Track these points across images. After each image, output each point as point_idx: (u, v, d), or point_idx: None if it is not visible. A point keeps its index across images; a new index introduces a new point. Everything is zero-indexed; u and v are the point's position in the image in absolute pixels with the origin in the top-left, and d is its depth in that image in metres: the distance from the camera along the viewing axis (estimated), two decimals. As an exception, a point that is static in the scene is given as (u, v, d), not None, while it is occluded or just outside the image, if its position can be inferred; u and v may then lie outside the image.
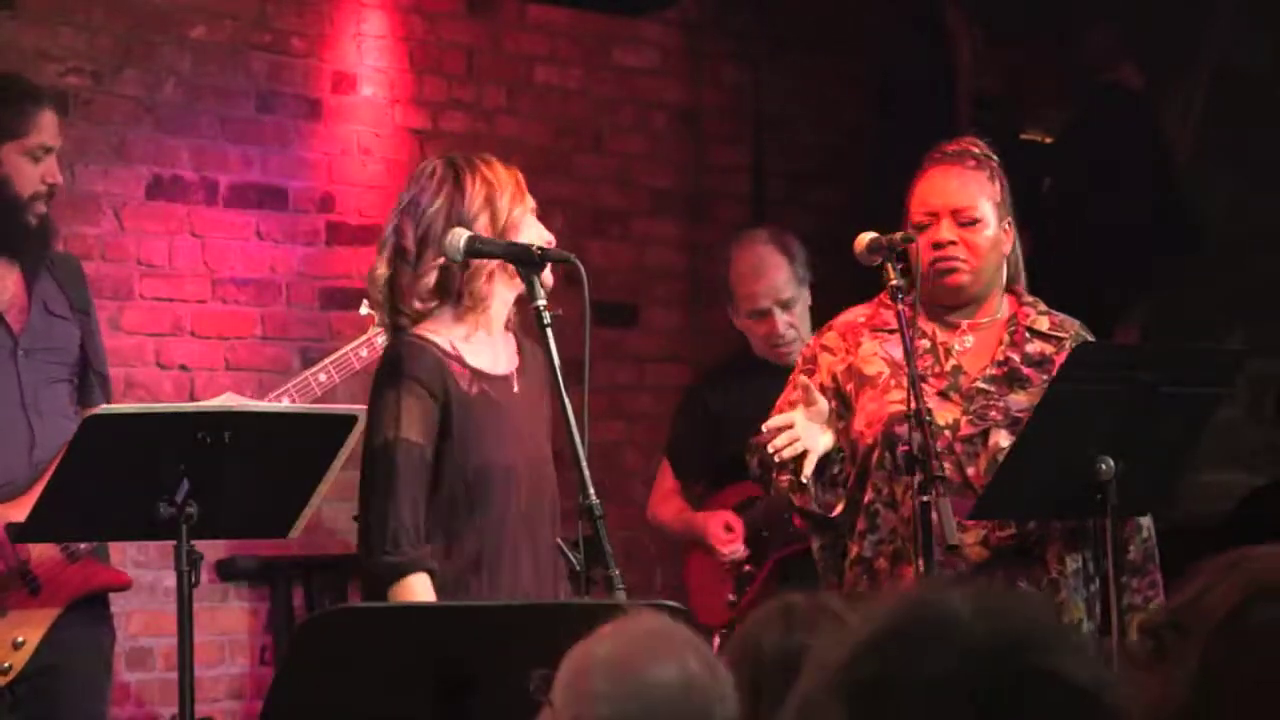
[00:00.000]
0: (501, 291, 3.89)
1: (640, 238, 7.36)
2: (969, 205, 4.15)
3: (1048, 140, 8.15)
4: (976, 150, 4.25)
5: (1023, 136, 8.20)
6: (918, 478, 3.89)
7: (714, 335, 7.30)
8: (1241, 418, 7.06)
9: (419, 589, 3.74)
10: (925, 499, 3.87)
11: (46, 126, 4.63)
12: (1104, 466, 3.92)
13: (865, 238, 4.14)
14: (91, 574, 4.62)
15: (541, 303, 3.68)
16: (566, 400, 3.59)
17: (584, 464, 3.55)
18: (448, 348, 3.85)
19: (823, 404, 4.08)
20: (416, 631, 3.14)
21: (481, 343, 3.90)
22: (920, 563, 3.91)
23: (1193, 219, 7.65)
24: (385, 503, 3.76)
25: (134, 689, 6.04)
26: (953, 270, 4.14)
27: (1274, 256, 7.50)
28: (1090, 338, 4.30)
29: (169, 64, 6.24)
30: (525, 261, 3.73)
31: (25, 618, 4.51)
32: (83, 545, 4.54)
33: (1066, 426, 3.94)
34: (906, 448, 3.94)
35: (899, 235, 4.12)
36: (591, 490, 3.52)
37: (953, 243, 4.13)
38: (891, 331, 4.18)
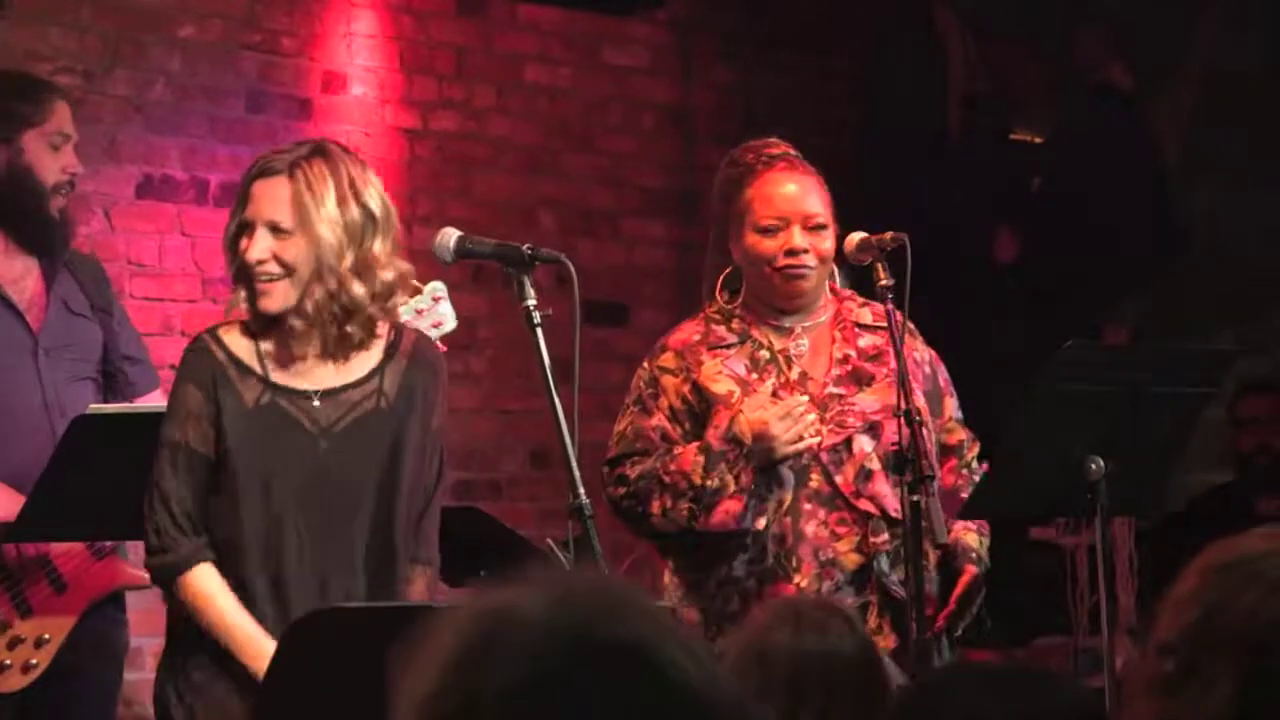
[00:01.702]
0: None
1: (630, 237, 7.37)
2: (817, 212, 4.17)
3: (1037, 140, 8.16)
4: (795, 154, 4.27)
5: (1013, 137, 8.22)
6: (907, 477, 3.89)
7: (704, 335, 7.32)
8: (1230, 418, 7.07)
9: (203, 580, 3.62)
10: (915, 498, 3.88)
11: (62, 114, 4.64)
12: (1093, 466, 3.92)
13: (855, 238, 4.16)
14: (115, 572, 4.61)
15: (531, 302, 3.67)
16: (556, 400, 3.59)
17: (574, 464, 3.54)
18: (241, 353, 3.71)
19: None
20: (405, 632, 3.14)
21: (291, 352, 3.71)
22: (909, 564, 3.93)
23: (1182, 219, 7.67)
24: (151, 503, 3.66)
25: (124, 689, 6.03)
26: (803, 277, 4.16)
27: (1263, 256, 7.52)
28: (911, 325, 4.28)
29: (159, 64, 6.24)
30: (515, 261, 3.72)
31: (50, 615, 4.51)
32: (107, 543, 4.53)
33: (1055, 426, 3.94)
34: (895, 446, 3.94)
35: (889, 235, 4.12)
36: (581, 490, 3.52)
37: (805, 250, 4.15)
38: (728, 347, 4.19)
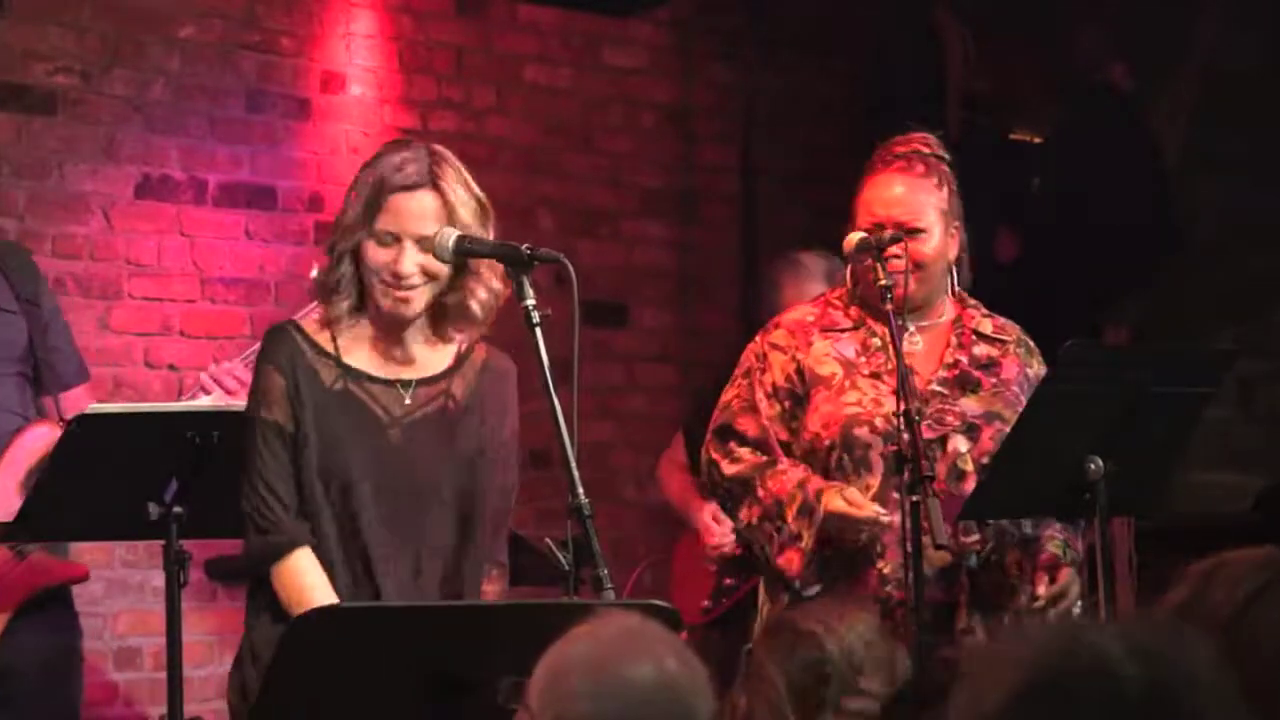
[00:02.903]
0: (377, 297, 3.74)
1: (630, 237, 7.37)
2: (915, 217, 4.16)
3: (1037, 140, 8.16)
4: (927, 151, 4.24)
5: (1012, 136, 8.21)
6: (906, 477, 3.89)
7: (704, 335, 7.31)
8: (1232, 417, 7.07)
9: (302, 564, 3.66)
10: (915, 498, 3.88)
11: None
12: (1093, 466, 3.92)
13: (855, 237, 4.16)
14: (43, 570, 4.55)
15: (531, 302, 3.67)
16: (555, 400, 3.58)
17: (573, 464, 3.54)
18: (323, 340, 3.77)
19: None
20: (404, 631, 3.14)
21: (371, 343, 3.79)
22: (909, 563, 3.92)
23: (1182, 219, 7.67)
24: (253, 483, 3.70)
25: (123, 689, 6.04)
26: (894, 283, 4.15)
27: (1263, 256, 7.52)
28: (1030, 342, 4.31)
29: (158, 63, 6.24)
30: (514, 261, 3.71)
31: None
32: (31, 543, 4.48)
33: (1056, 426, 3.94)
34: (895, 447, 3.94)
35: (888, 235, 4.12)
36: (580, 490, 3.51)
37: (896, 257, 4.14)
38: (842, 331, 4.22)
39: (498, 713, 2.89)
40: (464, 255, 3.77)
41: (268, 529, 3.68)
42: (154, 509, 4.01)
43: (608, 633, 2.22)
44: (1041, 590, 4.09)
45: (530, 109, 7.13)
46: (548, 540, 4.00)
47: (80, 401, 4.63)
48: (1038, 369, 4.29)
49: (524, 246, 3.73)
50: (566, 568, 3.75)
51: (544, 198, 7.12)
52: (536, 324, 3.64)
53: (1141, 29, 7.54)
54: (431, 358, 3.84)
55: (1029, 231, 7.82)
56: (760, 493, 4.13)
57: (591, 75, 7.30)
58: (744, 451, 4.20)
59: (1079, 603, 4.14)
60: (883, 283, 4.06)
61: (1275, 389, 7.46)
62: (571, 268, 3.64)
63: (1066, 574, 4.13)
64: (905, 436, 3.90)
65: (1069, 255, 7.51)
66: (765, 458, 4.18)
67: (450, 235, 3.75)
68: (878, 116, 7.68)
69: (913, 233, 4.15)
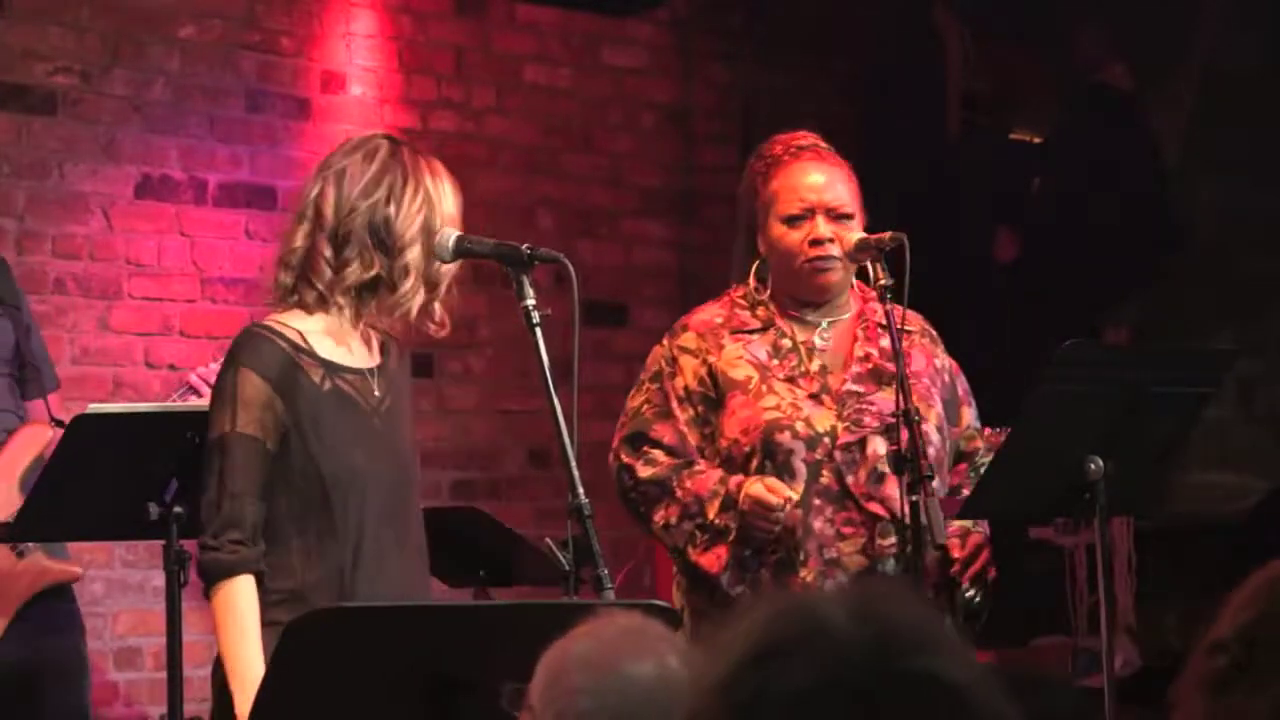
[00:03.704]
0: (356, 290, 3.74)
1: (629, 237, 7.37)
2: (843, 202, 4.14)
3: (1037, 140, 8.16)
4: (825, 146, 4.23)
5: (1012, 136, 8.21)
6: (905, 478, 3.88)
7: (703, 335, 7.31)
8: (1231, 417, 7.07)
9: (240, 590, 3.59)
10: (914, 499, 3.87)
11: None
12: (1093, 466, 3.92)
13: (853, 238, 4.14)
14: (41, 571, 4.55)
15: (531, 302, 3.67)
16: (555, 400, 3.58)
17: (573, 464, 3.54)
18: (297, 340, 3.68)
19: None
20: (405, 632, 3.14)
21: (335, 336, 3.73)
22: (909, 565, 3.92)
23: (1182, 219, 7.67)
24: (216, 497, 3.60)
25: (123, 689, 6.04)
26: (829, 268, 4.13)
27: (1263, 256, 7.52)
28: (934, 331, 4.29)
29: (158, 63, 6.24)
30: (514, 261, 3.71)
31: None
32: (29, 543, 4.47)
33: (1055, 426, 3.94)
34: (895, 447, 3.93)
35: (887, 235, 4.11)
36: (580, 490, 3.51)
37: (829, 240, 4.12)
38: (752, 333, 4.16)
39: (498, 714, 2.89)
40: (463, 256, 3.77)
41: (217, 547, 3.60)
42: (154, 509, 4.00)
43: (609, 631, 2.22)
44: (956, 554, 4.04)
45: (530, 109, 7.13)
46: (548, 540, 4.00)
47: (52, 408, 4.64)
48: (944, 358, 4.27)
49: (524, 246, 3.73)
50: (566, 568, 3.75)
51: (544, 198, 7.13)
52: (536, 324, 3.64)
53: (1141, 29, 7.54)
54: (364, 347, 3.78)
55: (1029, 231, 7.83)
56: (679, 492, 4.08)
57: (591, 75, 7.31)
58: (658, 454, 4.16)
59: (991, 568, 4.10)
60: (882, 282, 4.05)
61: (1275, 389, 7.46)
62: (571, 267, 3.64)
63: (977, 538, 4.08)
64: (903, 434, 3.90)
65: (1069, 255, 7.51)
66: (682, 460, 4.14)
67: (450, 235, 3.75)
68: (877, 117, 7.69)
69: (843, 218, 4.14)
